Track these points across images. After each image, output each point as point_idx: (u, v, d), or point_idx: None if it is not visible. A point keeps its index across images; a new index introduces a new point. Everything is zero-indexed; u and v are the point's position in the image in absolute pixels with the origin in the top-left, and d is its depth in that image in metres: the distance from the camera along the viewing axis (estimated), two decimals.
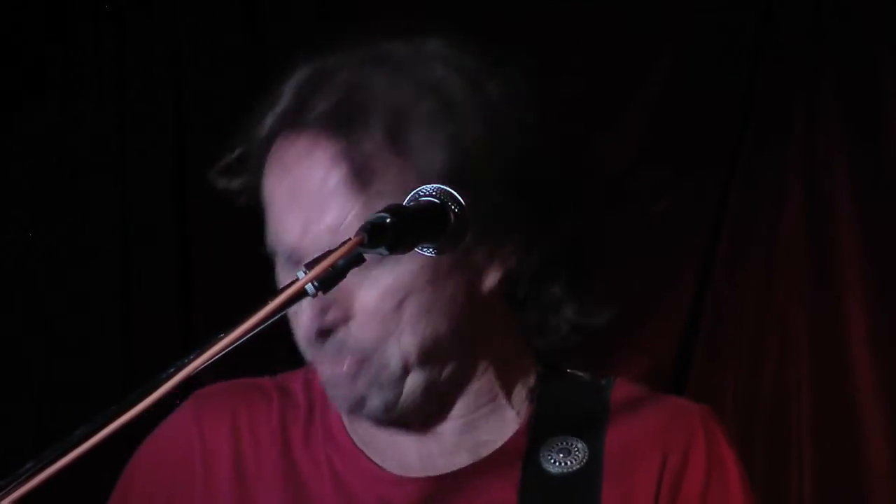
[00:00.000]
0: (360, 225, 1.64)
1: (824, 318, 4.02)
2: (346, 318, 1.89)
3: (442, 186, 1.72)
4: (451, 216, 1.72)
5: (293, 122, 1.90)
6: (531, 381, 2.03)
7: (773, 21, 4.04)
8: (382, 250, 1.63)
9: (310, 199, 1.87)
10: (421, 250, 1.73)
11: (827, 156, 4.01)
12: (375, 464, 2.00)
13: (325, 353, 1.93)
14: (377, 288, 1.87)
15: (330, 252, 1.61)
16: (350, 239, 1.61)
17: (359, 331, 1.90)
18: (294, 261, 1.88)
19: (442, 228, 1.72)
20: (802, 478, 3.98)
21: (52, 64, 4.21)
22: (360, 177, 1.84)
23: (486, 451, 1.99)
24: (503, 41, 1.90)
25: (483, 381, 1.99)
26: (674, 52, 4.10)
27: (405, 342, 1.89)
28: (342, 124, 1.85)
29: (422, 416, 1.98)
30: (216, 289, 4.08)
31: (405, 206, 1.71)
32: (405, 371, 1.92)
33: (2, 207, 4.16)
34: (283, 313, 1.60)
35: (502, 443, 2.00)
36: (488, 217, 1.84)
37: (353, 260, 1.62)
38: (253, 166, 1.95)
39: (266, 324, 1.58)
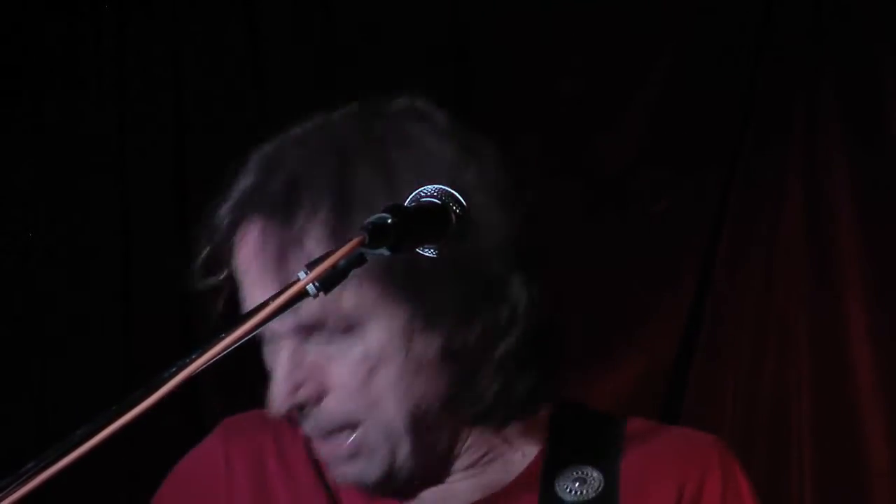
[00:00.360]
0: None
1: (824, 318, 4.02)
2: (319, 396, 1.87)
3: (443, 187, 1.71)
4: (453, 217, 1.71)
5: (252, 203, 1.87)
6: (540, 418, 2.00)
7: (773, 21, 4.04)
8: (384, 251, 1.60)
9: (263, 282, 1.84)
10: (422, 251, 1.71)
11: (827, 156, 4.01)
12: (398, 499, 1.99)
13: (313, 433, 1.91)
14: (347, 359, 1.85)
15: (331, 252, 1.60)
16: (351, 239, 1.59)
17: (336, 406, 1.87)
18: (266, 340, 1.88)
19: (444, 229, 1.70)
20: (802, 478, 3.98)
21: (52, 64, 4.21)
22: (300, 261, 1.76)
23: (499, 486, 1.98)
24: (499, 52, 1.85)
25: (481, 436, 1.97)
26: (674, 52, 4.10)
27: (388, 411, 1.87)
28: (289, 209, 1.82)
29: (421, 481, 1.96)
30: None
31: (406, 207, 1.69)
32: (394, 440, 1.89)
33: (2, 207, 4.16)
34: (283, 314, 1.59)
35: (516, 475, 1.98)
36: (460, 279, 1.81)
37: (355, 260, 1.61)
38: (224, 254, 1.92)
39: (267, 324, 1.57)
